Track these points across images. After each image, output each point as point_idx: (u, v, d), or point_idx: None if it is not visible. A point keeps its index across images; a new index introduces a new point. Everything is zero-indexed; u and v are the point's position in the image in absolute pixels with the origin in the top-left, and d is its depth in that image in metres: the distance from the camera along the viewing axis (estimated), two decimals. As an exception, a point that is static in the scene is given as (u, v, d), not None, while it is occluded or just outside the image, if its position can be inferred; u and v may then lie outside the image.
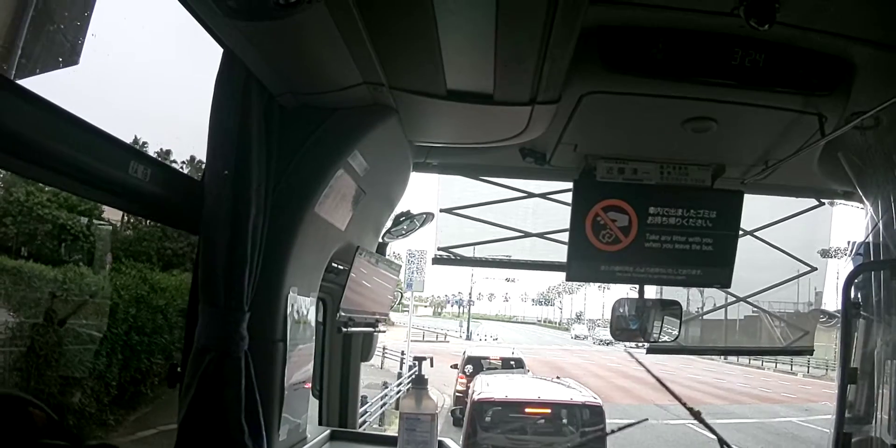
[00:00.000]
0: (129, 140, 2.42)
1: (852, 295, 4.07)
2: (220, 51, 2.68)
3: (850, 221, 5.07)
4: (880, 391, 3.99)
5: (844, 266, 4.36)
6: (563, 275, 4.67)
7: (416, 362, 3.83)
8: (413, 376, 3.78)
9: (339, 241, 3.73)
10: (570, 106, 3.59)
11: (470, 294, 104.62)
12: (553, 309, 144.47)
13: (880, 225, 4.06)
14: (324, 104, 3.16)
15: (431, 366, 3.96)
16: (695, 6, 3.07)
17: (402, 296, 34.57)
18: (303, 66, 2.83)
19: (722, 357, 49.49)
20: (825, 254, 5.63)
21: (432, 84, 3.15)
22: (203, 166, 2.79)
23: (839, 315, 4.07)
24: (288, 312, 3.10)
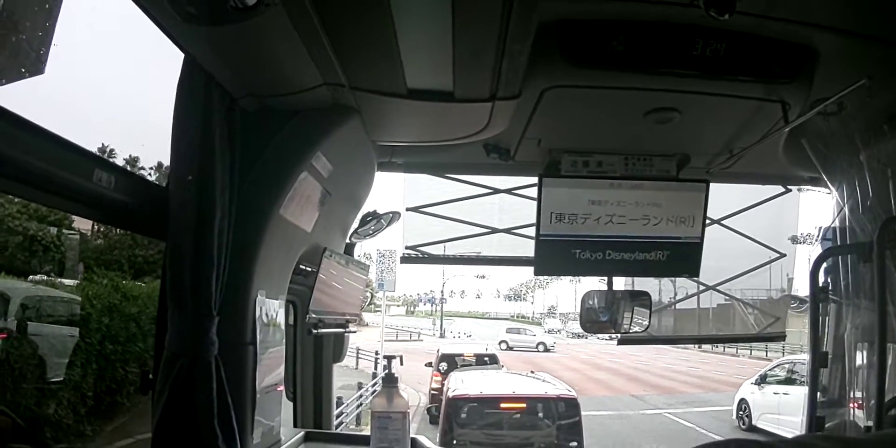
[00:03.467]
0: (95, 148, 2.42)
1: (821, 279, 4.12)
2: (181, 56, 2.68)
3: (818, 207, 5.13)
4: (852, 374, 4.05)
5: (814, 251, 4.42)
6: (532, 269, 4.70)
7: (387, 361, 3.84)
8: (384, 375, 3.79)
9: (305, 242, 3.73)
10: (533, 101, 3.60)
11: (442, 292, 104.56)
12: (526, 304, 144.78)
13: (846, 209, 4.11)
14: (285, 106, 3.16)
15: (402, 364, 3.97)
16: None
17: (373, 296, 34.53)
18: (263, 69, 2.84)
19: (696, 346, 49.79)
20: (795, 240, 5.70)
21: (392, 83, 3.16)
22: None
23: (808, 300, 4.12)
24: (257, 315, 3.10)
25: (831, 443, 1.17)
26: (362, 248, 5.09)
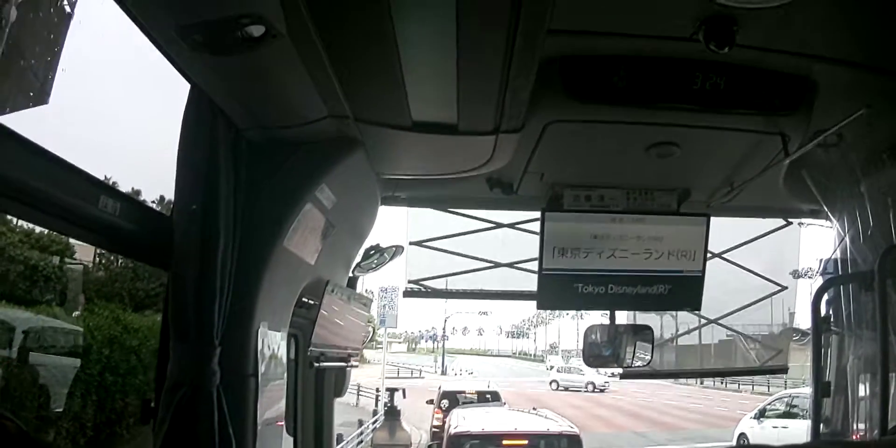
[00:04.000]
0: (99, 177, 2.43)
1: (823, 310, 4.12)
2: (187, 86, 2.69)
3: (819, 240, 5.14)
4: (855, 405, 4.03)
5: (815, 284, 4.42)
6: (535, 305, 4.71)
7: (390, 394, 3.82)
8: (386, 407, 3.78)
9: (308, 275, 3.72)
10: (535, 135, 3.63)
11: (444, 329, 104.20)
12: (528, 341, 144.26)
13: (847, 240, 4.12)
14: (290, 138, 3.16)
15: (405, 397, 3.96)
16: (654, 33, 3.12)
17: (375, 332, 34.37)
18: (268, 100, 2.86)
19: (698, 381, 49.39)
20: (796, 274, 5.69)
21: (397, 116, 3.18)
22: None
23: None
24: (259, 347, 3.08)
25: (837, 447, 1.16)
26: (364, 285, 5.08)
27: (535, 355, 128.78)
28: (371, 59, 2.71)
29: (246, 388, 3.02)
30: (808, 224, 5.20)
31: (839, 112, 3.40)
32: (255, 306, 3.04)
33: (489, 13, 2.39)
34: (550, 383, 51.90)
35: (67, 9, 2.74)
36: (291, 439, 4.29)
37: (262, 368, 3.11)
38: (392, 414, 3.26)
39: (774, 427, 20.98)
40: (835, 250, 4.33)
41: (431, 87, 3.00)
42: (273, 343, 3.29)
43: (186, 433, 2.67)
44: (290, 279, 3.47)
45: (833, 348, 4.23)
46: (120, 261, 11.48)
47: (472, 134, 3.36)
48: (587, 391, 51.72)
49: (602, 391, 52.01)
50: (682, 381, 45.82)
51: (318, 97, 2.86)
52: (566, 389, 51.93)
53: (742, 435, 23.10)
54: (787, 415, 20.86)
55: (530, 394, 47.15)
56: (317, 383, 4.71)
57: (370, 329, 5.45)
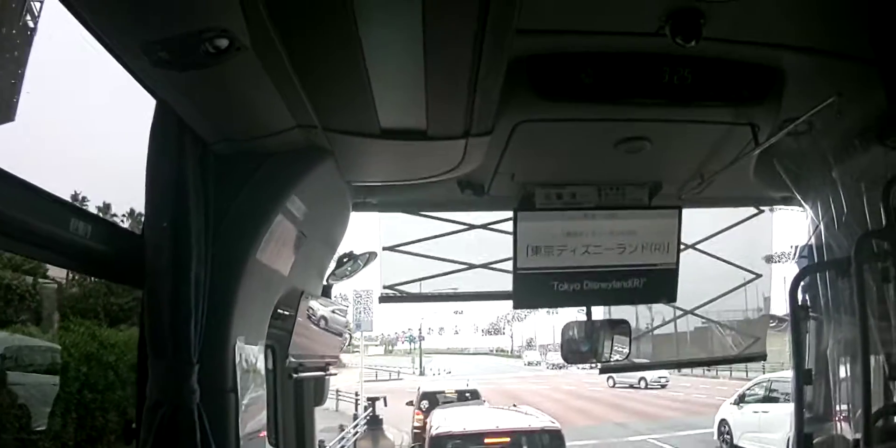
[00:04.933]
0: (68, 196, 2.40)
1: (800, 297, 4.14)
2: (153, 102, 2.67)
3: (792, 225, 5.17)
4: (836, 388, 4.06)
5: (789, 270, 4.44)
6: (510, 303, 4.71)
7: (370, 403, 3.80)
8: (368, 416, 3.76)
9: (283, 286, 3.70)
10: (505, 136, 3.62)
11: (420, 330, 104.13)
12: (504, 338, 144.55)
13: (821, 227, 4.14)
14: (258, 150, 3.14)
15: (385, 405, 3.94)
16: (621, 29, 3.12)
17: (351, 336, 34.25)
18: (235, 113, 2.83)
19: (676, 370, 49.26)
20: (769, 260, 5.72)
21: (365, 123, 3.15)
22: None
23: (788, 319, 4.13)
24: (237, 362, 3.06)
25: None
26: (338, 289, 5.06)
27: (512, 352, 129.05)
28: (337, 68, 2.69)
29: (226, 404, 3.00)
30: (779, 209, 5.23)
31: (808, 100, 3.41)
32: (231, 321, 3.01)
33: (456, 15, 2.38)
34: (607, 380, 48.84)
35: (31, 25, 2.72)
36: (274, 451, 4.26)
37: (241, 383, 3.08)
38: (374, 423, 3.24)
39: (755, 412, 21.07)
40: (809, 237, 4.36)
41: (399, 93, 2.98)
42: (251, 357, 3.26)
43: None
44: (264, 291, 3.45)
45: (812, 335, 4.26)
46: (93, 277, 11.42)
47: (442, 139, 3.34)
48: (640, 387, 47.05)
49: (663, 386, 47.13)
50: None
51: (284, 108, 2.83)
52: (616, 386, 48.53)
53: (723, 421, 23.22)
54: (767, 399, 20.94)
55: (508, 389, 47.24)
56: (296, 393, 4.69)
57: (347, 335, 5.42)
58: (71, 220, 2.37)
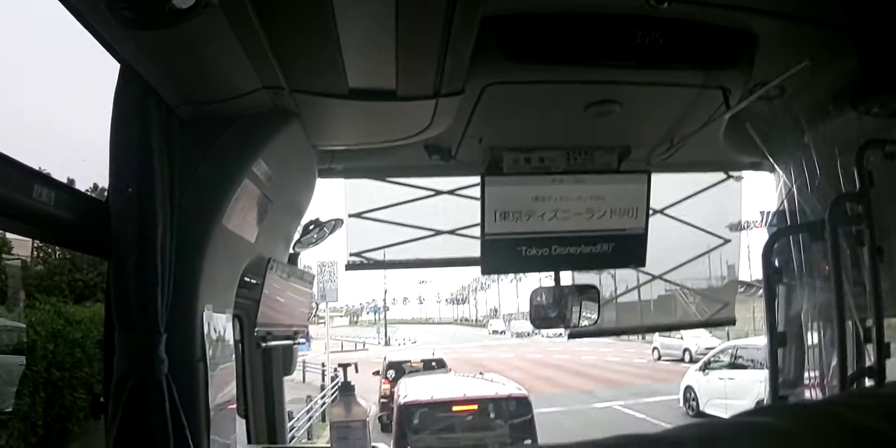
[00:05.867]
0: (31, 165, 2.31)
1: (775, 262, 4.16)
2: (116, 66, 2.60)
3: (759, 195, 5.19)
4: (809, 353, 4.10)
5: (752, 237, 4.47)
6: (475, 271, 4.71)
7: (342, 369, 3.78)
8: (338, 385, 3.74)
9: (249, 254, 3.65)
10: (473, 98, 3.58)
11: (384, 300, 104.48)
12: (468, 307, 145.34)
13: (794, 190, 4.16)
14: (223, 113, 3.07)
15: (357, 372, 3.92)
16: None
17: (317, 307, 34.26)
18: (200, 74, 2.76)
19: (641, 337, 49.26)
20: (736, 227, 5.76)
21: (334, 84, 3.09)
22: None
23: (756, 284, 4.16)
24: (205, 331, 3.01)
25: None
26: (302, 262, 5.01)
27: (476, 321, 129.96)
28: (306, 24, 2.62)
29: (195, 374, 2.95)
30: (746, 178, 5.26)
31: (781, 64, 3.41)
32: (198, 289, 2.96)
33: None
34: (652, 351, 47.24)
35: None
36: (244, 421, 4.23)
37: (209, 352, 3.03)
38: (346, 389, 3.20)
39: (720, 379, 21.37)
40: (781, 202, 4.37)
41: (369, 52, 2.91)
42: (219, 326, 3.21)
43: (139, 425, 2.59)
44: (231, 259, 3.40)
45: (783, 299, 4.30)
46: (58, 253, 11.35)
47: (412, 99, 3.27)
48: (684, 361, 39.94)
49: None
50: (625, 338, 46.19)
51: (251, 68, 2.77)
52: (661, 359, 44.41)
53: (689, 388, 23.54)
54: (733, 366, 21.25)
55: (473, 358, 47.55)
56: (264, 363, 4.67)
57: (314, 305, 5.39)
58: (34, 186, 2.29)
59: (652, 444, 0.69)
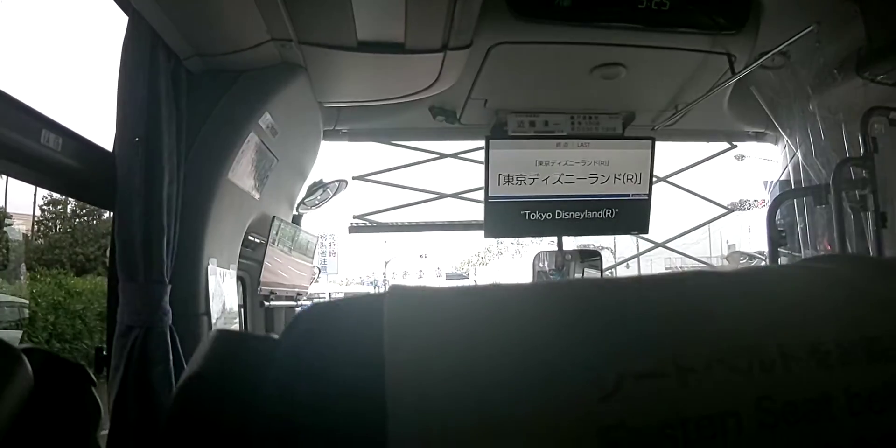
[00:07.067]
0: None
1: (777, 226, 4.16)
2: (125, 18, 2.60)
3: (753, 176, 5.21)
4: None
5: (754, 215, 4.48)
6: (477, 246, 4.72)
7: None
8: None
9: (254, 211, 3.66)
10: (480, 58, 3.57)
11: (384, 273, 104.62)
12: (468, 282, 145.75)
13: (799, 156, 4.15)
14: (231, 66, 3.07)
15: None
16: None
17: (318, 274, 34.35)
18: (209, 25, 2.75)
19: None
20: (738, 206, 5.78)
21: (342, 35, 3.08)
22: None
23: (758, 256, 4.16)
24: (209, 285, 3.02)
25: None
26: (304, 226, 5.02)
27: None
28: None
29: (198, 328, 2.95)
30: (747, 157, 5.28)
31: (786, 31, 3.40)
32: (203, 242, 2.97)
33: None
34: None
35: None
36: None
37: (213, 306, 3.04)
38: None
39: None
40: (784, 169, 4.37)
41: (379, 3, 2.89)
42: (223, 280, 3.22)
43: (142, 377, 2.59)
44: (236, 213, 3.40)
45: (787, 262, 4.29)
46: (58, 227, 11.38)
47: (419, 52, 3.27)
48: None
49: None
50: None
51: (260, 19, 2.76)
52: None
53: None
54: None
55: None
56: (266, 324, 4.67)
57: (316, 268, 5.40)
58: (42, 131, 2.27)
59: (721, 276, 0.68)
